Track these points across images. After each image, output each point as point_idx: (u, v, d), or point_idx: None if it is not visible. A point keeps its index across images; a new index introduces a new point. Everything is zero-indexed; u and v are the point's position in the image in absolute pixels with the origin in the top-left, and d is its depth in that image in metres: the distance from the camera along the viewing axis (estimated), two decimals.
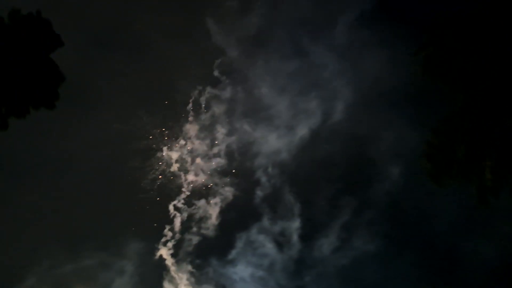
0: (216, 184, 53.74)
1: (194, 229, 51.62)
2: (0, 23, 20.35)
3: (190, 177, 53.41)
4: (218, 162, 54.54)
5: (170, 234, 51.13)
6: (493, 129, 15.04)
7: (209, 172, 54.09)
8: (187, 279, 49.55)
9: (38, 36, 20.97)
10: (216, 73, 56.30)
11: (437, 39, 16.21)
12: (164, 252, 50.49)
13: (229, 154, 55.07)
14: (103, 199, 48.71)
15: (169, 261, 50.15)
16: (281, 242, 51.77)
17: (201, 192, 53.33)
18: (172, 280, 49.41)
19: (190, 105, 55.12)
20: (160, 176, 52.52)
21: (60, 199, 47.93)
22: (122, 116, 53.60)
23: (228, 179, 53.77)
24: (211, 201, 52.82)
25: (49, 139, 46.64)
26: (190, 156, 54.27)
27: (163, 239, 50.77)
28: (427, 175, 16.21)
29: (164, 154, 53.35)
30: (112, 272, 47.90)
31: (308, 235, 51.46)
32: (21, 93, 20.17)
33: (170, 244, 50.78)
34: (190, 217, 52.12)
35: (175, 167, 53.41)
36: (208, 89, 55.93)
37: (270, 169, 54.48)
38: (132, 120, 53.67)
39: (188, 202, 52.54)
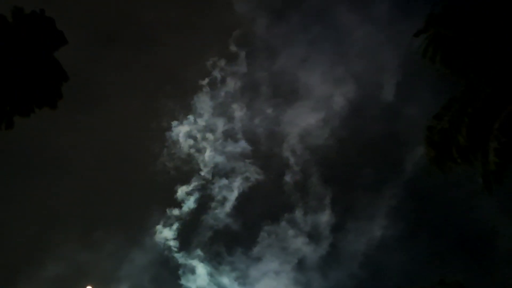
0: (237, 167, 52.58)
1: (209, 214, 51.06)
2: (3, 22, 20.57)
3: (207, 158, 52.55)
4: (237, 142, 53.50)
5: (184, 219, 50.54)
6: (496, 112, 14.73)
7: (227, 154, 53.09)
8: (204, 269, 48.77)
9: (42, 35, 21.08)
10: (233, 47, 54.48)
11: (438, 21, 15.93)
12: (179, 238, 50.07)
13: (249, 135, 53.88)
14: (118, 184, 48.51)
15: (183, 248, 49.61)
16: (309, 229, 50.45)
17: (219, 175, 52.47)
18: (187, 269, 48.71)
19: (207, 82, 53.64)
20: (174, 157, 51.64)
21: (69, 186, 48.16)
22: (136, 100, 52.96)
23: (249, 161, 52.74)
24: (231, 185, 51.85)
25: (58, 130, 46.74)
26: (207, 137, 53.40)
27: (176, 224, 50.16)
28: (428, 160, 16.05)
29: (177, 134, 52.30)
30: (124, 257, 47.84)
31: (339, 222, 50.24)
32: (25, 92, 20.34)
33: (182, 231, 50.23)
34: (205, 201, 51.34)
35: (189, 148, 52.69)
36: (225, 64, 54.19)
37: (294, 150, 52.71)
38: (145, 102, 52.93)
39: (204, 185, 51.91)
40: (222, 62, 53.91)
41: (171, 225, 49.66)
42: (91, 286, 40.58)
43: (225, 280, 48.55)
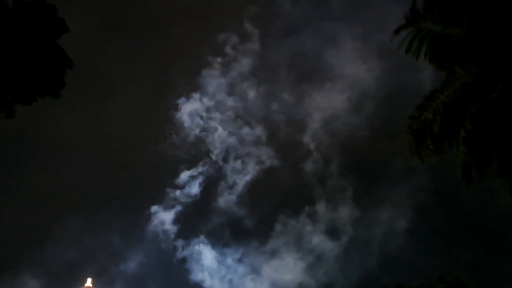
0: (251, 152, 51.07)
1: (220, 201, 50.11)
2: (4, 9, 21.03)
3: (217, 141, 51.19)
4: (251, 126, 51.65)
5: (190, 204, 50.01)
6: (472, 102, 15.05)
7: (240, 137, 51.53)
8: (210, 254, 48.28)
9: (43, 22, 21.51)
10: (247, 25, 52.30)
11: (420, 17, 16.29)
12: (184, 223, 49.60)
13: (265, 118, 51.82)
14: (126, 169, 48.13)
15: (189, 235, 49.10)
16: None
17: (231, 159, 51.21)
18: (193, 255, 48.39)
19: (219, 62, 52.03)
20: (182, 140, 50.89)
21: (75, 170, 48.23)
22: (145, 82, 52.41)
23: (263, 147, 51.00)
24: (243, 170, 50.43)
25: (64, 115, 46.52)
26: (218, 119, 51.84)
27: (182, 209, 49.83)
28: (408, 149, 16.50)
29: (186, 116, 51.16)
30: (129, 242, 47.86)
31: (360, 215, 47.98)
32: (26, 81, 20.80)
33: (188, 216, 49.68)
34: (214, 186, 50.26)
35: (199, 130, 51.41)
36: (239, 43, 52.02)
37: (314, 136, 49.97)
38: (154, 85, 52.57)
39: (214, 169, 50.93)
40: (236, 40, 52.12)
41: (176, 209, 49.48)
42: (91, 278, 41.06)
43: (231, 264, 48.07)
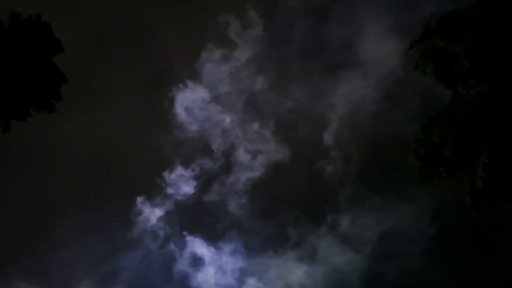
0: (258, 148, 46.34)
1: (220, 200, 45.78)
2: (0, 27, 20.84)
3: (221, 136, 47.01)
4: (259, 119, 46.81)
5: (188, 203, 48.25)
6: (485, 127, 14.68)
7: (246, 131, 46.71)
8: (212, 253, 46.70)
9: (38, 40, 21.37)
10: (252, 10, 47.28)
11: (434, 33, 16.01)
12: (182, 223, 46.54)
13: (272, 111, 46.54)
14: (125, 170, 46.92)
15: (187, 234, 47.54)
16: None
17: (235, 155, 47.01)
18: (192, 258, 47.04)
19: (222, 50, 49.20)
20: (181, 134, 48.68)
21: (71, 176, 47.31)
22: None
23: (273, 143, 45.94)
24: (249, 167, 45.97)
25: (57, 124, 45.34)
26: (220, 111, 47.42)
27: (179, 208, 46.50)
28: (418, 174, 15.99)
29: (184, 110, 48.81)
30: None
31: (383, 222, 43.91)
32: (22, 96, 20.64)
33: (186, 216, 45.61)
34: (215, 186, 46.89)
35: (201, 124, 47.21)
36: (244, 29, 46.53)
37: (333, 133, 43.87)
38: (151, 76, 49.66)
39: (217, 167, 47.22)
40: (240, 27, 49.66)
41: (176, 208, 47.28)
42: None
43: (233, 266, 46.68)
